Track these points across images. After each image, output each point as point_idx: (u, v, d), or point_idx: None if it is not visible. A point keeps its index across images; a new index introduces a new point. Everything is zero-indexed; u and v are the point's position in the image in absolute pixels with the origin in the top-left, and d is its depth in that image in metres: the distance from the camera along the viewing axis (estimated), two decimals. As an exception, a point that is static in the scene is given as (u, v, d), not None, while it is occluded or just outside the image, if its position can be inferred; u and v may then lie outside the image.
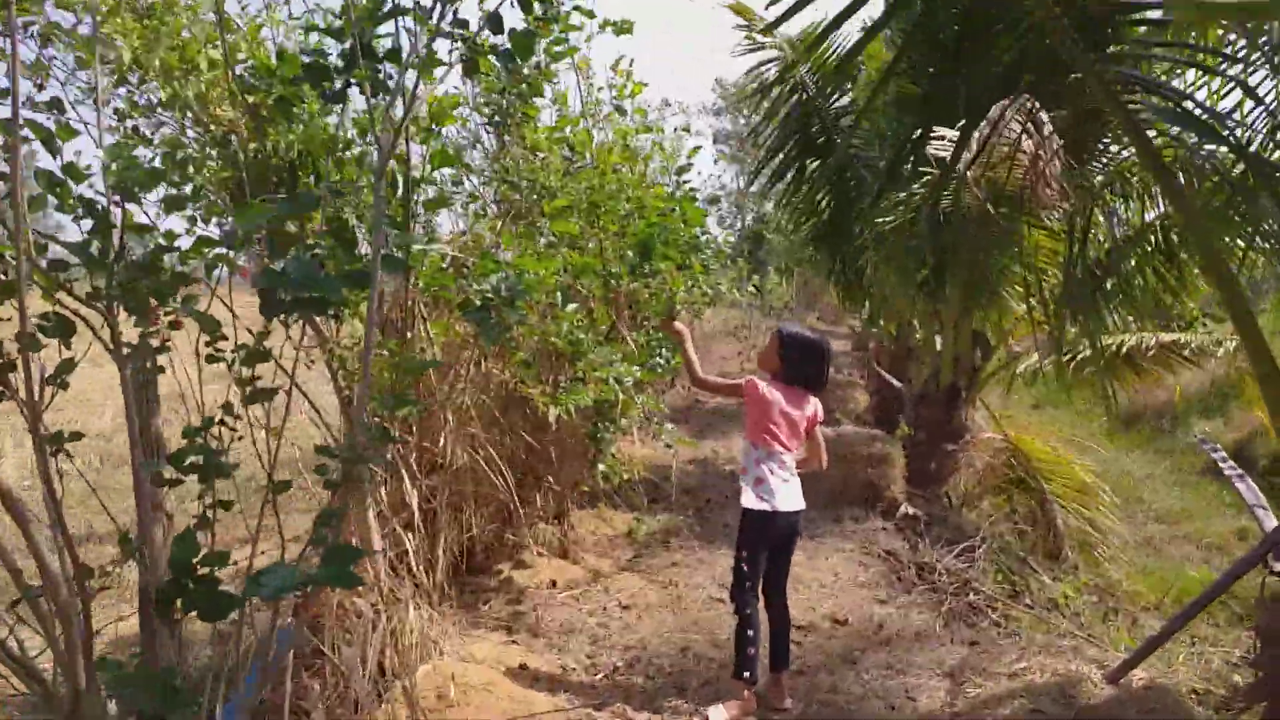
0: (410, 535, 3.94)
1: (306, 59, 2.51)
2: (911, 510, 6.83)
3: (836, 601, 5.15)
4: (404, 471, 3.84)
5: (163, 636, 2.10)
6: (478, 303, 3.28)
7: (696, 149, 6.87)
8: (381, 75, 2.33)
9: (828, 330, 30.52)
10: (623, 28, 4.67)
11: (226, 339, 2.21)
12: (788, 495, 3.62)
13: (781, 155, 7.39)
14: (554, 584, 5.04)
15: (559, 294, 3.82)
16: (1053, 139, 5.32)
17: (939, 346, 7.70)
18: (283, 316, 1.81)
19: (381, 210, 2.09)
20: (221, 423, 2.12)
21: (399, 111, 2.36)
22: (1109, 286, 6.90)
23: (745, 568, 3.59)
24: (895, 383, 9.76)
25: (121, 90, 3.20)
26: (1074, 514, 8.07)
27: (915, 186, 6.01)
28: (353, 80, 2.37)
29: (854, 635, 4.64)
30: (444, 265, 3.71)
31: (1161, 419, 13.65)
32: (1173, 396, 13.91)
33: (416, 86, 2.51)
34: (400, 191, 2.99)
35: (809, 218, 7.85)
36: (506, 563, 5.19)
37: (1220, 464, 4.97)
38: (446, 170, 3.92)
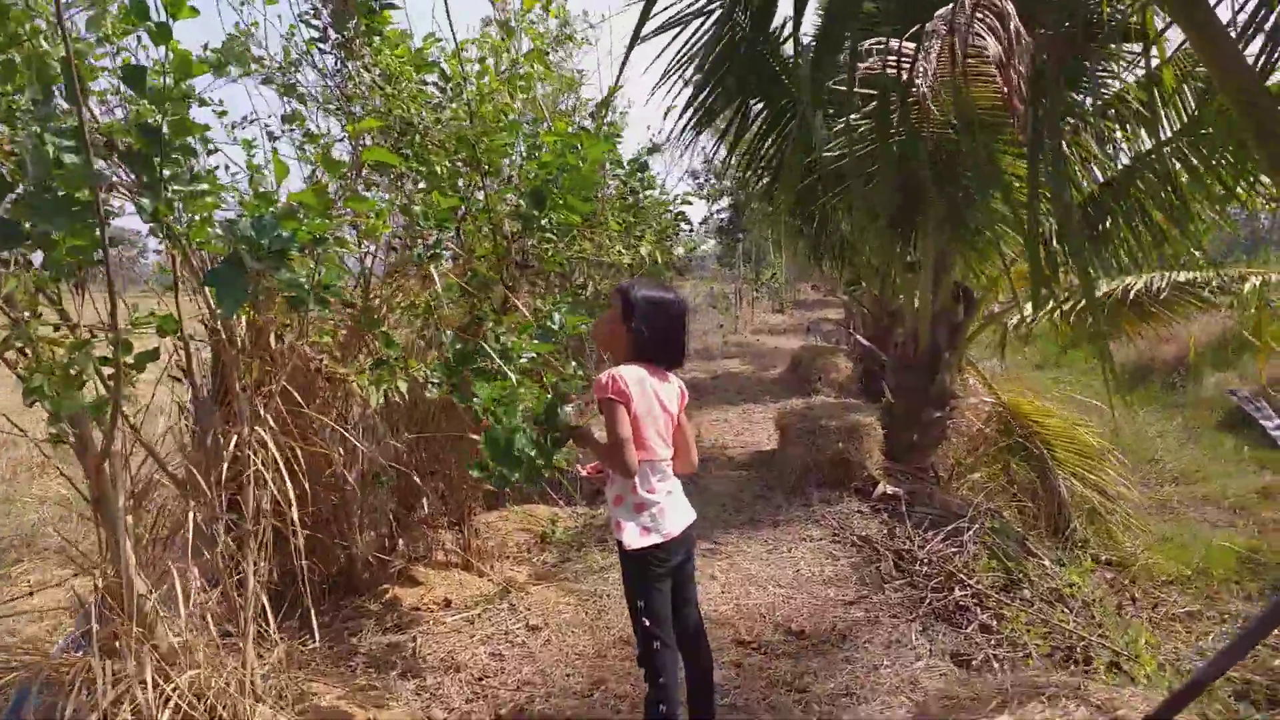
0: (234, 561, 3.06)
1: None
2: (890, 488, 5.94)
3: (794, 606, 4.26)
4: (200, 480, 2.95)
5: None
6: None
7: (617, 86, 5.95)
8: None
9: (820, 302, 29.63)
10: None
11: None
12: (676, 509, 2.69)
13: (714, 97, 6.42)
14: (448, 603, 4.16)
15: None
16: (1021, 37, 4.42)
17: (916, 302, 6.78)
18: None
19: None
20: None
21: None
22: (1107, 225, 5.99)
23: (648, 622, 2.60)
24: (874, 349, 8.85)
25: None
26: (1080, 481, 7.19)
27: (859, 114, 5.10)
28: None
29: (810, 651, 3.75)
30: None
31: (1172, 373, 12.71)
32: (1182, 350, 12.98)
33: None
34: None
35: (760, 170, 6.91)
36: (395, 581, 4.31)
37: (1255, 414, 4.07)
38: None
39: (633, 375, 2.58)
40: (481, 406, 3.49)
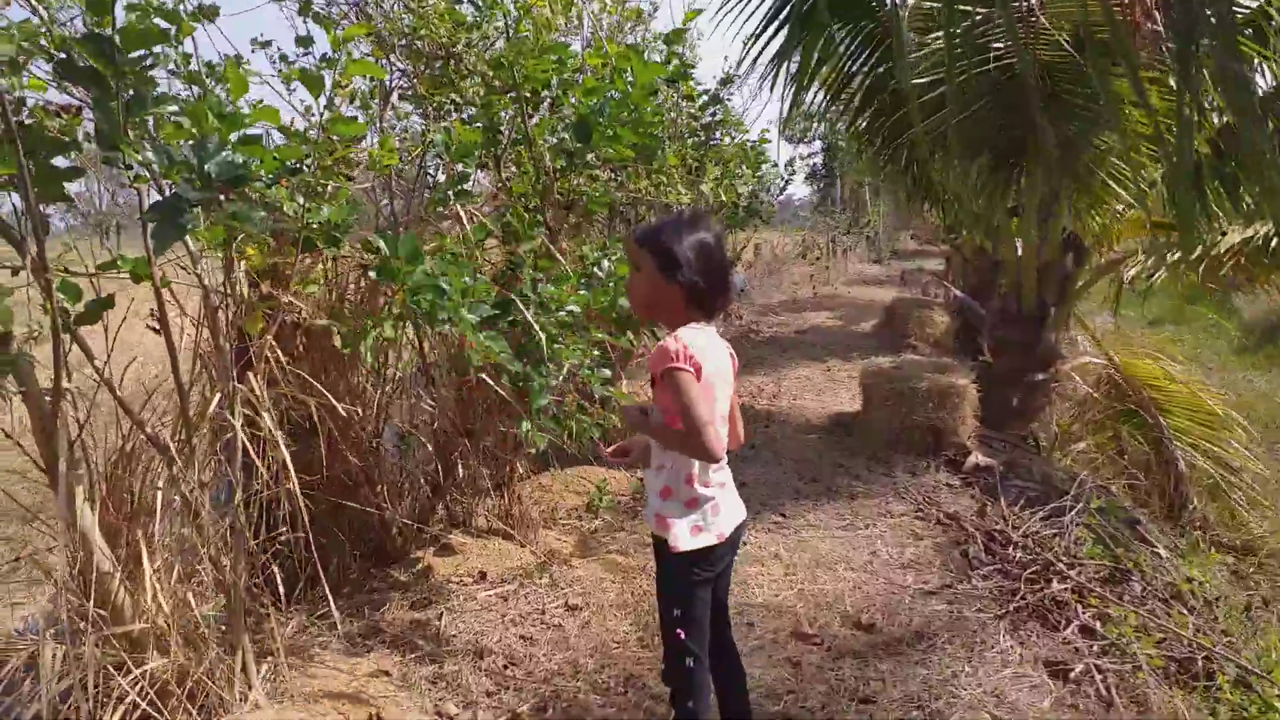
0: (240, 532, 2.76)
1: None
2: (984, 459, 5.37)
3: (866, 594, 3.80)
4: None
5: None
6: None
7: (695, 12, 5.40)
8: None
9: (920, 251, 28.31)
10: None
11: None
12: (730, 505, 2.24)
13: (792, 21, 5.75)
14: (483, 576, 3.83)
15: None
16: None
17: (1020, 252, 6.10)
18: None
19: None
20: None
21: None
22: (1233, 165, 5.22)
23: (684, 634, 2.16)
24: (971, 302, 8.15)
25: None
26: (1200, 453, 6.47)
27: (957, 30, 4.45)
28: None
29: (880, 650, 3.28)
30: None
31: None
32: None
33: None
34: None
35: (849, 105, 6.26)
36: (430, 548, 4.00)
37: None
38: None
39: (698, 343, 2.07)
40: (510, 365, 3.12)
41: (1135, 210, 5.90)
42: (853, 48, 5.82)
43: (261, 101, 2.61)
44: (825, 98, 6.44)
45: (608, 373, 3.35)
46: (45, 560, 2.38)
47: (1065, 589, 3.72)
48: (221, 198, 2.11)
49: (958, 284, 10.75)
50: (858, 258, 24.79)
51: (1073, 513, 4.59)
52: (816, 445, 6.07)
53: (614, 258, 3.54)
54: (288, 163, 2.35)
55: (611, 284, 3.58)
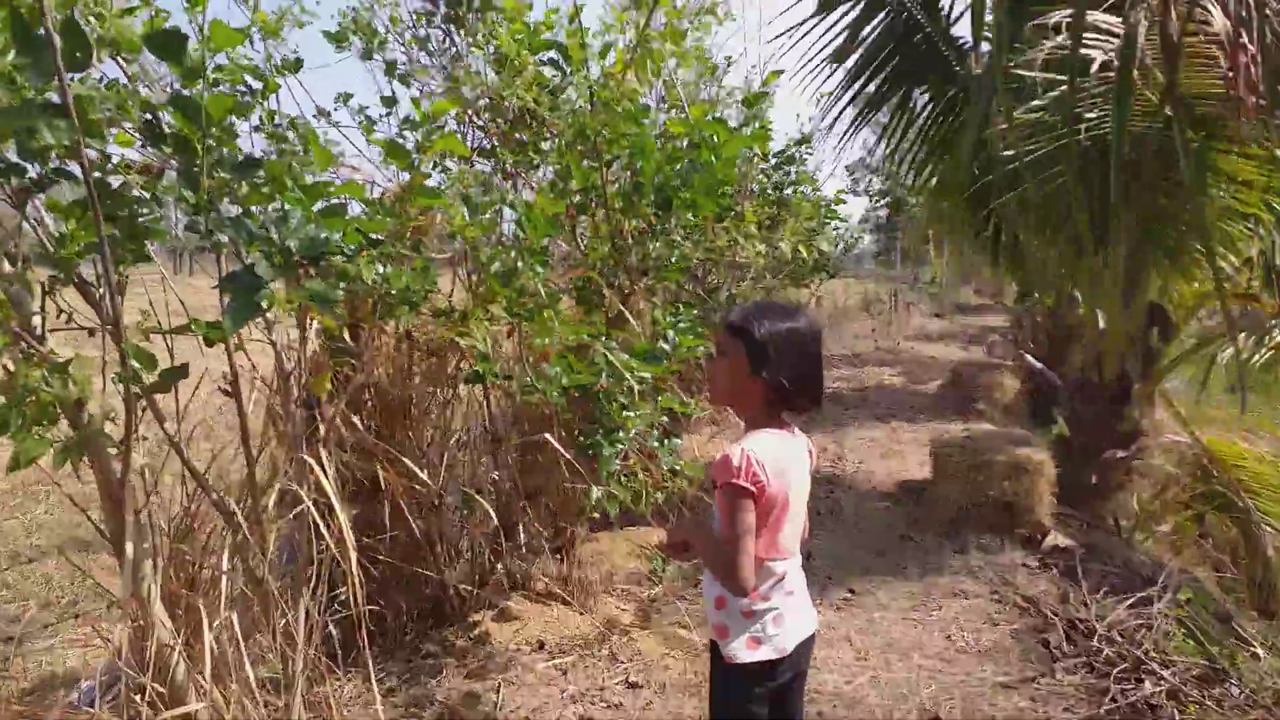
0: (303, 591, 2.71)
1: None
2: (1063, 541, 5.13)
3: (942, 684, 3.60)
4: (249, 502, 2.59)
5: None
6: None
7: (776, 73, 5.36)
8: None
9: (983, 305, 27.75)
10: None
11: None
12: (796, 617, 2.05)
13: (875, 83, 5.68)
14: (541, 645, 3.72)
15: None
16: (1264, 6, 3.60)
17: (1102, 323, 5.89)
18: None
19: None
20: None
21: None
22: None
23: None
24: (1046, 371, 7.89)
25: None
26: (1292, 540, 6.11)
27: (1040, 100, 4.32)
28: None
29: (958, 751, 3.10)
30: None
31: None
32: None
33: None
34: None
35: (924, 165, 6.15)
36: (487, 612, 3.91)
37: None
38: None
39: (770, 454, 1.91)
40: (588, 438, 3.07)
41: (1229, 284, 5.67)
42: (934, 110, 5.73)
43: (343, 155, 2.59)
44: (896, 156, 6.34)
45: (680, 442, 3.25)
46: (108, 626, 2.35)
47: (1159, 691, 3.48)
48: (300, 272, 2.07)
49: (1028, 348, 10.48)
50: (920, 312, 24.43)
51: (1160, 603, 4.34)
52: (884, 515, 5.87)
53: (679, 328, 3.45)
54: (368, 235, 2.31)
55: (678, 355, 3.50)
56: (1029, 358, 8.79)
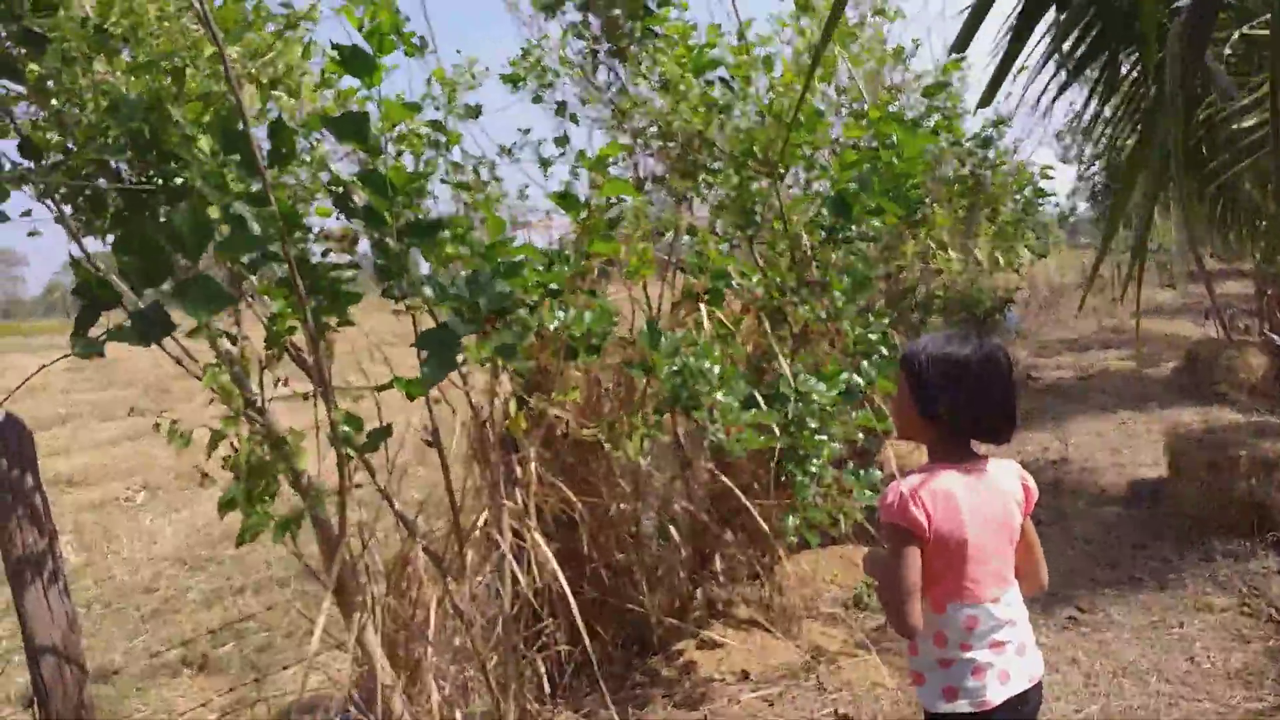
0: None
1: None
2: (1326, 545, 4.54)
3: (1185, 712, 3.27)
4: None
5: None
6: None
7: (956, 63, 5.08)
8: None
9: (1219, 269, 25.14)
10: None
11: None
12: (1007, 669, 1.85)
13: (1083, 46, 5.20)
14: (746, 675, 3.68)
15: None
16: None
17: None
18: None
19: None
20: None
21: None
22: None
23: None
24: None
25: None
26: None
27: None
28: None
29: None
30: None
31: None
32: None
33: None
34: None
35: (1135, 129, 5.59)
36: (690, 640, 3.90)
37: None
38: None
39: (940, 490, 1.79)
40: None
41: None
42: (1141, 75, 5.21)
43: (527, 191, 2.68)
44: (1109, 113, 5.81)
45: (879, 474, 3.12)
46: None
47: None
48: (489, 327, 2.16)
49: (1275, 319, 9.41)
50: (1148, 283, 22.46)
51: None
52: (1114, 521, 5.43)
53: (873, 334, 3.32)
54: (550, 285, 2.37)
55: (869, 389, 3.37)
56: (1274, 336, 7.86)
